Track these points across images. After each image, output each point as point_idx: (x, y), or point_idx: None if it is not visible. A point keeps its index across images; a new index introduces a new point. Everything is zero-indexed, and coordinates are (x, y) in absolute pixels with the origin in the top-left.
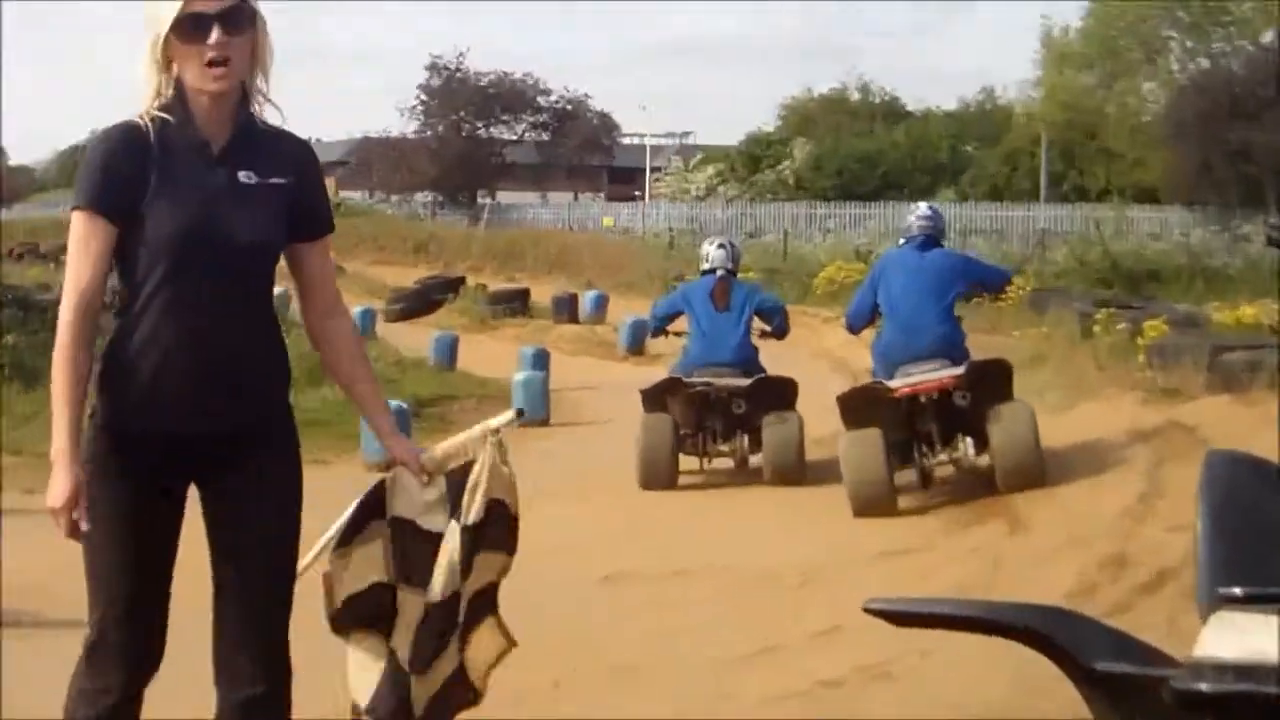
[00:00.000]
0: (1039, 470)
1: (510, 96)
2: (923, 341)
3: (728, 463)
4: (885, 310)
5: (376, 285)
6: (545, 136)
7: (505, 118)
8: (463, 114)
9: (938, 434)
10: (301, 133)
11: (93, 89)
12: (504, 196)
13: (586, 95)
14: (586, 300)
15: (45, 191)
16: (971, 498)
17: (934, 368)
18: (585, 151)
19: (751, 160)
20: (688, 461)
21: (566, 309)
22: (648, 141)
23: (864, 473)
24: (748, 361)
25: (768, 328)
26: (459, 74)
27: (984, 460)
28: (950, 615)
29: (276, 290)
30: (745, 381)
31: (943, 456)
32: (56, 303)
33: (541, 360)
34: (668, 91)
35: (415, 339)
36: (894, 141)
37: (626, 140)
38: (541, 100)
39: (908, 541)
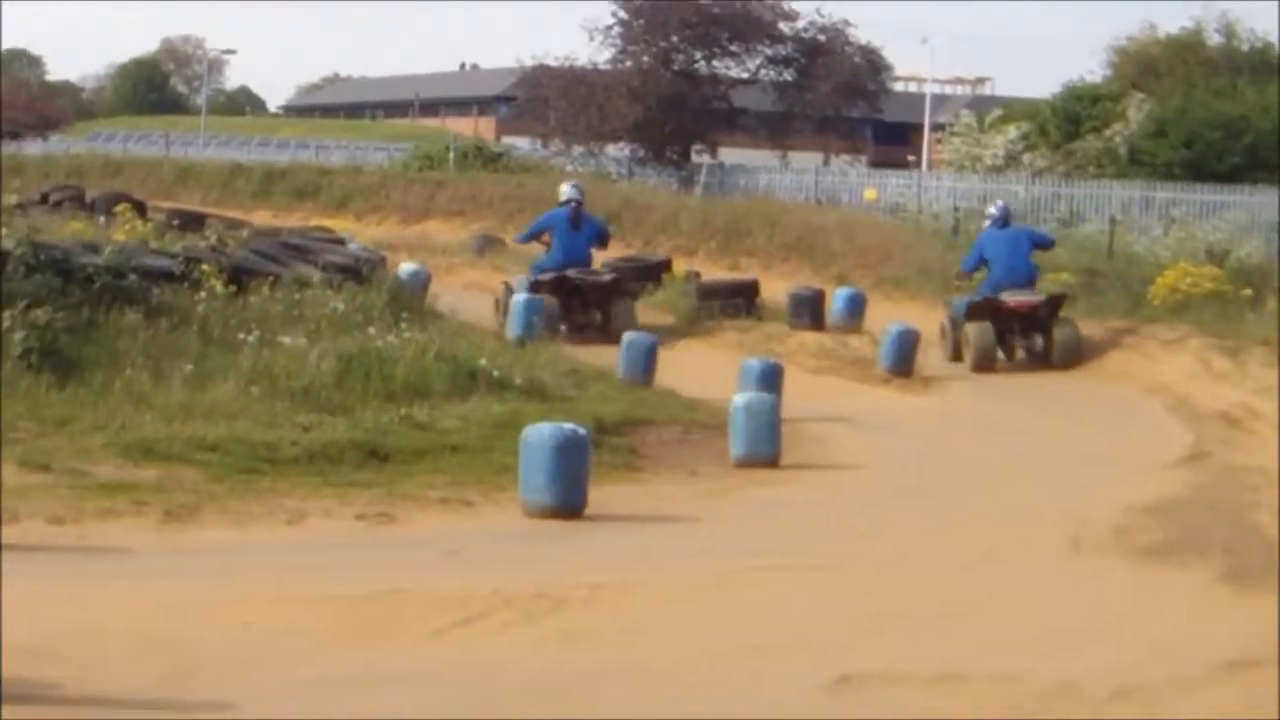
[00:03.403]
0: (1081, 357)
1: (742, 20)
2: (1020, 277)
3: None
4: (992, 260)
5: None
6: (788, 76)
7: (734, 49)
8: (676, 41)
9: (1021, 330)
10: (450, 58)
11: None
12: (728, 154)
13: (846, 23)
14: (837, 300)
15: (95, 119)
16: None
17: (1031, 293)
18: (842, 98)
19: (1069, 121)
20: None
21: (808, 310)
22: (929, 89)
23: (982, 345)
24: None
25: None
26: None
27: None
28: None
29: (412, 267)
30: (1042, 297)
31: (1023, 343)
32: (107, 271)
33: (772, 378)
34: (958, 22)
35: (599, 342)
36: (1266, 105)
37: (900, 86)
38: (784, 27)
39: (1261, 645)
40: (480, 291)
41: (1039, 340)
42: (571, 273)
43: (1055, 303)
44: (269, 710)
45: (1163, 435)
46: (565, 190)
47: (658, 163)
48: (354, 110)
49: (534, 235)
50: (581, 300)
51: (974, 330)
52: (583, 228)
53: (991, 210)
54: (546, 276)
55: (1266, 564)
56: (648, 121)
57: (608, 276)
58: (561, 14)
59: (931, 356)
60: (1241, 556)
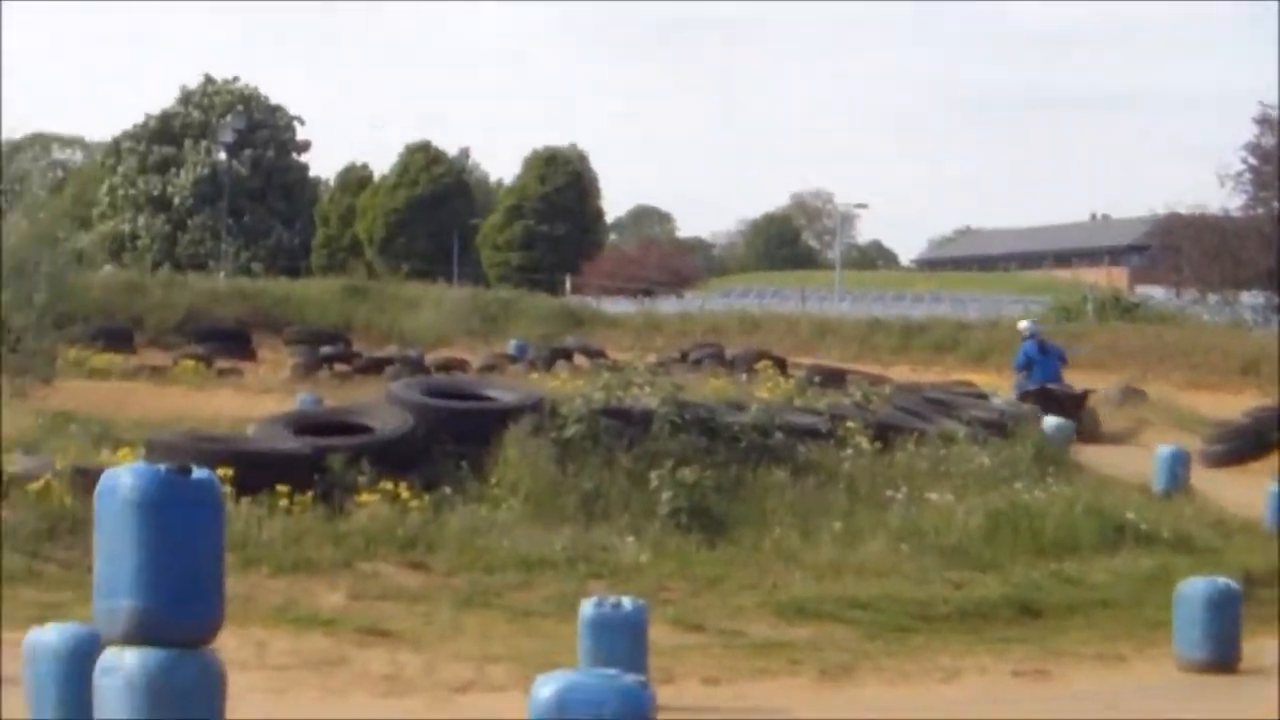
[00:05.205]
0: None
1: None
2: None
3: None
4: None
5: (1189, 416)
6: None
7: None
8: None
9: None
10: (1080, 208)
11: (788, 147)
12: None
13: None
14: None
15: (727, 275)
16: None
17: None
18: None
19: None
20: None
21: None
22: None
23: None
24: None
25: None
26: None
27: None
28: None
29: (1056, 421)
30: None
31: None
32: (753, 429)
33: None
34: None
35: (1245, 491)
36: None
37: None
38: None
39: None
40: (1120, 444)
41: None
42: (1051, 385)
43: None
44: None
45: None
46: (1025, 326)
47: None
48: (985, 262)
49: (1024, 365)
50: (1057, 406)
51: None
52: (1049, 353)
53: (1022, 325)
54: (1031, 389)
55: None
56: None
57: (1078, 389)
58: (1192, 162)
59: None
60: None
